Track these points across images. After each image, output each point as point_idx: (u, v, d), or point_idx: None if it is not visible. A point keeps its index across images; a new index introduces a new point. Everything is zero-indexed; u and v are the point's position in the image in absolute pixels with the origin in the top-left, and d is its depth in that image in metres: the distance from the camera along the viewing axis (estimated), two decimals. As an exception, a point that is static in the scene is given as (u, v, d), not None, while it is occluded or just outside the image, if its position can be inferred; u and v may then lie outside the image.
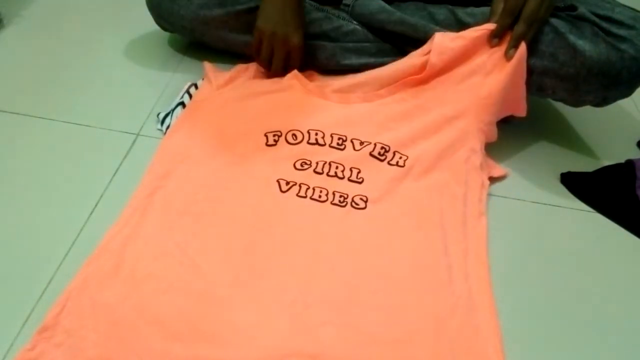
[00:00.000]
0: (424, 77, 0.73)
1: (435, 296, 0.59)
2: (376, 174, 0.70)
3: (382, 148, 0.72)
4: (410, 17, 0.82)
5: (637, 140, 0.86)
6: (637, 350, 0.59)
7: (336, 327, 0.56)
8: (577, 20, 0.69)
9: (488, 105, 0.72)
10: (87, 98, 0.84)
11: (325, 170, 0.70)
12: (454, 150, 0.71)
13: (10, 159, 0.73)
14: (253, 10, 0.82)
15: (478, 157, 0.71)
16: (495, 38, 0.69)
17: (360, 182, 0.69)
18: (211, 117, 0.76)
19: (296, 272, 0.60)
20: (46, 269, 0.60)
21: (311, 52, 0.88)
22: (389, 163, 0.71)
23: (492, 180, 0.75)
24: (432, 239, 0.64)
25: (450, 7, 0.79)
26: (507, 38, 0.69)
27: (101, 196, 0.69)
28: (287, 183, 0.69)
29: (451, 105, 0.72)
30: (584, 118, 0.87)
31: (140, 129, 0.79)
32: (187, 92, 0.82)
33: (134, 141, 0.77)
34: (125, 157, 0.75)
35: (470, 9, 0.78)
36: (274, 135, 0.73)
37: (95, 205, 0.68)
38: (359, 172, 0.70)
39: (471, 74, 0.71)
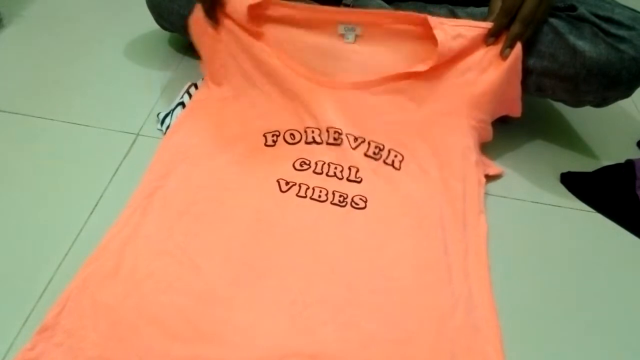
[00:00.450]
0: (421, 73, 0.72)
1: (436, 296, 0.59)
2: (374, 173, 0.70)
3: (376, 147, 0.72)
4: (410, 17, 0.82)
5: (637, 140, 0.86)
6: (637, 350, 0.59)
7: (336, 327, 0.56)
8: (576, 20, 0.69)
9: (481, 103, 0.71)
10: (87, 98, 0.84)
11: (325, 170, 0.70)
12: (448, 147, 0.71)
13: (10, 159, 0.73)
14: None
15: (472, 153, 0.71)
16: (491, 37, 0.69)
17: (359, 182, 0.69)
18: (211, 117, 0.76)
19: (296, 272, 0.60)
20: (46, 269, 0.60)
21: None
22: (384, 162, 0.71)
23: (490, 179, 0.75)
24: (432, 239, 0.64)
25: (450, 7, 0.79)
26: (504, 37, 0.69)
27: (101, 196, 0.69)
28: (287, 183, 0.69)
29: (444, 101, 0.71)
30: (584, 118, 0.87)
31: (140, 129, 0.79)
32: (187, 92, 0.82)
33: (134, 141, 0.77)
34: (125, 157, 0.75)
35: (470, 9, 0.78)
36: (273, 136, 0.73)
37: (95, 205, 0.68)
38: (357, 171, 0.70)
39: (466, 71, 0.71)
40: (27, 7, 1.04)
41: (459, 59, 0.70)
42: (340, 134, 0.72)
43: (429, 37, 0.69)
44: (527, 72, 0.72)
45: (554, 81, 0.71)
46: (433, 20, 0.69)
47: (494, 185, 0.75)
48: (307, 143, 0.72)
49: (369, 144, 0.72)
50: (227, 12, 0.73)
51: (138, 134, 0.78)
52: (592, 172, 0.78)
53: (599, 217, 0.73)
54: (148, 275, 0.58)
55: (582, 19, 0.69)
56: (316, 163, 0.71)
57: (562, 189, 0.76)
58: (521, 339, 0.58)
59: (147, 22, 0.90)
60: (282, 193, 0.68)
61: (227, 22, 0.74)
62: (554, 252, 0.68)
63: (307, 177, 0.69)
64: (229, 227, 0.64)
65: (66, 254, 0.62)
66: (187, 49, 0.95)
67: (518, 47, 0.68)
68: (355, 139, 0.72)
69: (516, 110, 0.76)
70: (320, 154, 0.71)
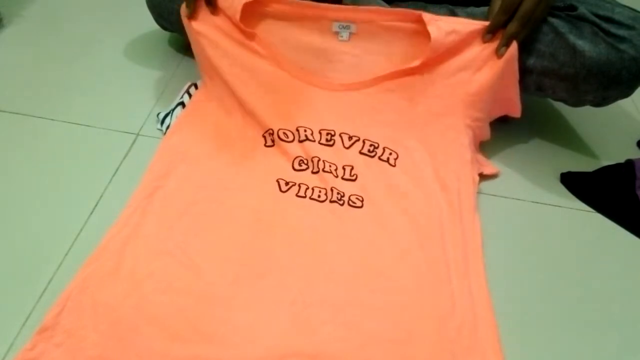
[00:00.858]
0: (414, 70, 0.71)
1: (435, 295, 0.59)
2: (369, 171, 0.70)
3: (371, 145, 0.72)
4: (410, 17, 0.82)
5: (637, 140, 0.86)
6: (637, 350, 0.59)
7: (336, 327, 0.56)
8: (576, 20, 0.69)
9: (476, 102, 0.71)
10: (87, 98, 0.84)
11: (321, 167, 0.70)
12: (443, 146, 0.71)
13: (10, 159, 0.73)
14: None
15: (467, 152, 0.71)
16: (488, 34, 0.69)
17: (354, 180, 0.69)
18: (210, 117, 0.76)
19: (296, 272, 0.60)
20: (46, 269, 0.60)
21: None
22: (379, 159, 0.71)
23: (490, 178, 0.75)
24: (431, 238, 0.64)
25: (450, 6, 0.79)
26: (500, 36, 0.69)
27: (101, 196, 0.69)
28: (287, 183, 0.69)
29: (439, 100, 0.71)
30: (584, 118, 0.87)
31: (140, 129, 0.79)
32: (187, 92, 0.82)
33: (134, 141, 0.77)
34: (125, 157, 0.75)
35: (470, 9, 0.78)
36: (270, 135, 0.73)
37: (95, 205, 0.68)
38: (352, 169, 0.70)
39: (461, 70, 0.70)
40: (27, 7, 1.04)
41: (453, 55, 0.70)
42: (332, 135, 0.73)
43: (425, 35, 0.69)
44: (527, 71, 0.72)
45: (553, 81, 0.71)
46: (427, 16, 0.69)
47: (493, 185, 0.75)
48: (300, 141, 0.72)
49: (363, 142, 0.72)
50: (222, 7, 0.72)
51: (138, 134, 0.78)
52: (592, 172, 0.78)
53: (599, 217, 0.73)
54: (148, 275, 0.58)
55: (582, 19, 0.69)
56: (312, 160, 0.71)
57: (562, 189, 0.76)
58: (521, 339, 0.58)
59: (147, 22, 0.90)
60: (281, 193, 0.68)
61: (217, 19, 0.73)
62: (553, 252, 0.68)
63: (306, 177, 0.69)
64: (229, 227, 0.64)
65: (66, 254, 0.62)
66: (187, 49, 0.94)
67: (514, 46, 0.68)
68: (350, 138, 0.72)
69: (515, 111, 0.75)
70: (315, 151, 0.71)
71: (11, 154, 0.74)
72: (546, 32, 0.70)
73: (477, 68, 0.70)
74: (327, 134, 0.73)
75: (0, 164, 0.72)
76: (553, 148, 0.83)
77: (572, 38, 0.68)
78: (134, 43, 0.97)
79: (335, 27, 0.73)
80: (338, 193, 0.68)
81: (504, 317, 0.59)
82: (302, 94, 0.74)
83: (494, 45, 0.69)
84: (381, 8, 0.72)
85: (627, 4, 0.70)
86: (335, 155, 0.71)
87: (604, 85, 0.69)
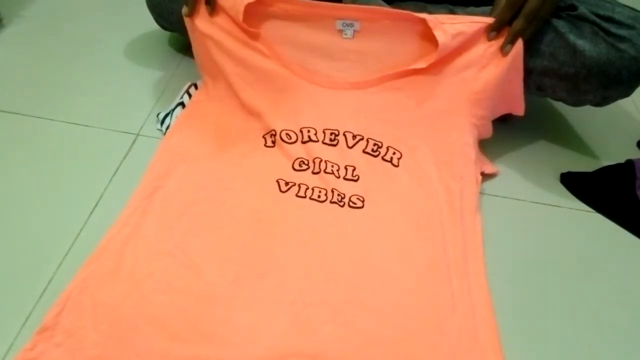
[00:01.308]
0: (420, 70, 0.71)
1: (435, 295, 0.59)
2: (371, 171, 0.70)
3: (374, 144, 0.72)
4: (410, 17, 0.82)
5: (637, 140, 0.86)
6: (637, 350, 0.59)
7: (336, 327, 0.56)
8: (577, 20, 0.69)
9: (481, 100, 0.71)
10: (87, 98, 0.84)
11: (322, 167, 0.70)
12: (448, 145, 0.71)
13: (10, 159, 0.73)
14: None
15: (472, 150, 0.71)
16: (493, 31, 0.69)
17: (356, 180, 0.69)
18: (210, 117, 0.76)
19: (296, 272, 0.60)
20: (46, 269, 0.60)
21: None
22: (382, 159, 0.71)
23: (490, 178, 0.75)
24: (431, 238, 0.64)
25: (450, 6, 0.79)
26: (505, 33, 0.69)
27: (101, 196, 0.69)
28: (287, 183, 0.69)
29: (444, 98, 0.71)
30: (584, 118, 0.87)
31: (140, 129, 0.79)
32: (187, 92, 0.82)
33: (134, 141, 0.77)
34: (125, 157, 0.75)
35: (470, 9, 0.78)
36: (271, 136, 0.73)
37: (95, 205, 0.68)
38: (354, 170, 0.70)
39: (466, 68, 0.70)
40: (27, 7, 1.04)
41: (458, 54, 0.70)
42: (336, 135, 0.72)
43: (429, 34, 0.69)
44: (527, 71, 0.71)
45: (554, 80, 0.71)
46: (432, 21, 0.68)
47: (494, 185, 0.75)
48: (303, 142, 0.72)
49: (367, 141, 0.72)
50: (224, 7, 0.72)
51: (138, 134, 0.78)
52: (592, 172, 0.78)
53: (599, 217, 0.73)
54: (148, 275, 0.58)
55: (582, 18, 0.69)
56: (314, 161, 0.71)
57: (562, 189, 0.76)
58: (521, 339, 0.58)
59: (147, 22, 0.90)
60: (281, 193, 0.68)
61: (219, 19, 0.73)
62: (553, 252, 0.68)
63: (307, 178, 0.69)
64: (229, 227, 0.64)
65: (66, 254, 0.62)
66: (187, 49, 0.94)
67: (519, 43, 0.68)
68: (354, 137, 0.72)
69: (519, 109, 0.75)
70: (318, 151, 0.71)
71: (11, 154, 0.74)
72: (546, 31, 0.70)
73: (483, 66, 0.70)
74: (331, 133, 0.72)
75: (0, 164, 0.72)
76: (553, 148, 0.83)
77: (572, 38, 0.68)
78: (134, 43, 0.97)
79: (339, 25, 0.72)
80: (339, 194, 0.68)
81: (504, 317, 0.59)
82: (306, 93, 0.74)
83: (499, 42, 0.69)
84: (385, 9, 0.72)
85: (627, 4, 0.70)
86: (338, 155, 0.71)
87: (604, 84, 0.69)
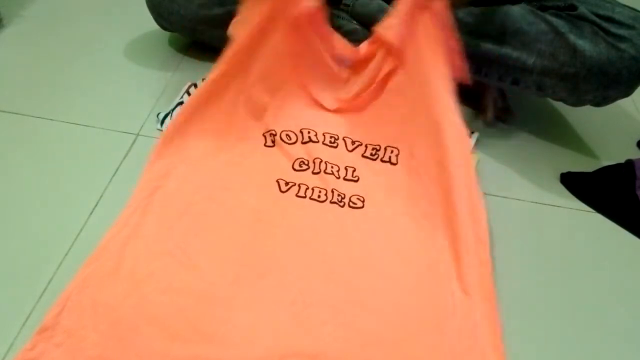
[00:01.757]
0: (398, 68, 0.73)
1: (436, 295, 0.59)
2: (371, 173, 0.71)
3: (373, 149, 0.73)
4: (410, 17, 0.82)
5: (637, 140, 0.86)
6: (637, 351, 0.59)
7: (336, 327, 0.56)
8: (577, 20, 0.69)
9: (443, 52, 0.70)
10: (87, 98, 0.84)
11: (322, 168, 0.70)
12: (442, 130, 0.68)
13: (10, 159, 0.73)
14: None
15: (462, 129, 0.68)
16: None
17: (356, 181, 0.70)
18: (211, 117, 0.76)
19: (296, 272, 0.60)
20: (46, 269, 0.60)
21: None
22: (381, 160, 0.72)
23: (489, 178, 0.75)
24: (431, 237, 0.64)
25: (450, 6, 0.79)
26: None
27: (101, 196, 0.69)
28: (287, 183, 0.69)
29: (423, 81, 0.70)
30: (584, 118, 0.87)
31: (140, 129, 0.79)
32: (187, 92, 0.82)
33: (134, 141, 0.77)
34: (125, 157, 0.75)
35: (470, 9, 0.78)
36: (271, 135, 0.73)
37: (95, 205, 0.68)
38: (354, 171, 0.70)
39: (422, 43, 0.70)
40: (27, 7, 1.04)
41: (411, 37, 0.71)
42: (336, 138, 0.73)
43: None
44: (527, 71, 0.72)
45: (554, 80, 0.71)
46: (380, 31, 0.71)
47: (494, 185, 0.75)
48: (303, 143, 0.72)
49: (366, 147, 0.73)
50: None
51: (138, 134, 0.78)
52: (592, 172, 0.78)
53: (599, 217, 0.73)
54: (148, 275, 0.58)
55: (582, 18, 0.69)
56: (314, 161, 0.71)
57: (562, 189, 0.76)
58: (521, 338, 0.58)
59: (147, 22, 0.90)
60: (281, 193, 0.68)
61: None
62: (554, 252, 0.68)
63: (307, 178, 0.69)
64: (229, 228, 0.64)
65: (66, 254, 0.62)
66: (187, 49, 0.95)
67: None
68: (353, 142, 0.73)
69: (459, 71, 0.71)
70: (318, 152, 0.72)
71: (11, 154, 0.74)
72: (546, 31, 0.70)
73: (427, 34, 0.70)
74: (331, 137, 0.73)
75: (0, 164, 0.72)
76: (553, 148, 0.83)
77: (572, 38, 0.68)
78: (134, 43, 0.97)
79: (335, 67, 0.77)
80: (339, 195, 0.68)
81: (504, 316, 0.59)
82: (308, 105, 0.76)
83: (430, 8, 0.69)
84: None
85: (627, 4, 0.70)
86: (338, 157, 0.72)
87: (604, 84, 0.69)
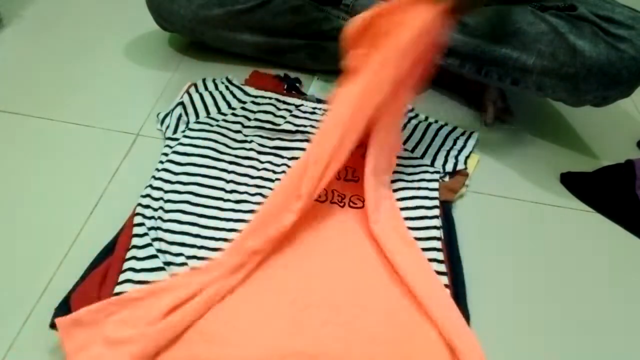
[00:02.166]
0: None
1: (436, 295, 0.59)
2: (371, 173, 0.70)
3: None
4: (410, 17, 0.82)
5: (637, 140, 0.86)
6: (637, 350, 0.59)
7: (336, 327, 0.56)
8: (577, 20, 0.69)
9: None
10: (87, 98, 0.84)
11: None
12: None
13: (10, 159, 0.73)
14: (252, 10, 0.82)
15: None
16: None
17: (356, 181, 0.70)
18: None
19: (296, 272, 0.60)
20: (46, 269, 0.60)
21: (312, 52, 0.88)
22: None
23: (489, 178, 0.75)
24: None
25: (450, 7, 0.79)
26: None
27: (101, 196, 0.69)
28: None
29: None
30: (584, 118, 0.87)
31: (140, 129, 0.79)
32: (187, 92, 0.82)
33: (134, 141, 0.77)
34: (125, 157, 0.75)
35: (470, 9, 0.78)
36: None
37: (95, 205, 0.68)
38: (354, 171, 0.70)
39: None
40: (27, 7, 1.04)
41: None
42: None
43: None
44: (527, 71, 0.72)
45: (554, 81, 0.71)
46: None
47: (494, 185, 0.75)
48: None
49: (366, 147, 0.69)
50: None
51: (138, 134, 0.78)
52: (592, 172, 0.78)
53: (599, 217, 0.73)
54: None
55: (582, 19, 0.69)
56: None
57: (562, 189, 0.77)
58: (521, 338, 0.58)
59: (147, 22, 0.90)
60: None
61: None
62: (554, 252, 0.68)
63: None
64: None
65: (66, 254, 0.62)
66: (187, 49, 0.95)
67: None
68: None
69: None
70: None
71: (11, 154, 0.74)
72: (546, 32, 0.70)
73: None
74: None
75: (0, 164, 0.72)
76: (553, 148, 0.83)
77: (572, 38, 0.68)
78: (134, 43, 0.97)
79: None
80: (339, 195, 0.68)
81: (504, 316, 0.59)
82: None
83: None
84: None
85: (627, 4, 0.70)
86: None
87: (604, 85, 0.69)
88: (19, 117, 0.80)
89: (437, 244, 0.63)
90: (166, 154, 0.71)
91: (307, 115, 0.79)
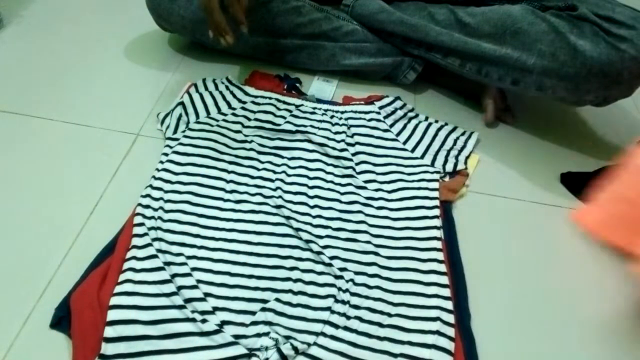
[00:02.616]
0: None
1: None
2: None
3: None
4: (410, 17, 0.82)
5: (637, 140, 0.85)
6: (638, 349, 0.59)
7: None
8: (577, 20, 0.69)
9: None
10: (87, 98, 0.84)
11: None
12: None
13: (10, 159, 0.73)
14: (253, 10, 0.82)
15: None
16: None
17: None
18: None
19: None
20: (46, 269, 0.60)
21: (312, 52, 0.88)
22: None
23: (489, 178, 0.75)
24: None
25: (450, 6, 0.79)
26: None
27: (101, 196, 0.69)
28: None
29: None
30: (584, 118, 0.87)
31: (140, 129, 0.79)
32: (187, 92, 0.82)
33: (134, 141, 0.77)
34: (125, 157, 0.74)
35: (470, 9, 0.78)
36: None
37: (95, 205, 0.68)
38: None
39: None
40: (27, 7, 1.04)
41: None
42: None
43: None
44: (527, 71, 0.72)
45: (554, 80, 0.71)
46: None
47: (494, 185, 0.75)
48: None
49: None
50: None
51: (138, 134, 0.78)
52: (592, 172, 0.78)
53: (599, 217, 0.73)
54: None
55: (582, 19, 0.69)
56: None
57: (562, 189, 0.76)
58: (521, 337, 0.58)
59: (147, 23, 0.90)
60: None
61: None
62: (554, 252, 0.68)
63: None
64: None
65: (66, 254, 0.62)
66: (187, 49, 0.95)
67: None
68: None
69: None
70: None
71: (11, 154, 0.74)
72: (547, 31, 0.70)
73: None
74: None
75: (0, 164, 0.72)
76: (553, 148, 0.83)
77: (572, 38, 0.68)
78: (134, 43, 0.97)
79: None
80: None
81: (504, 315, 0.59)
82: None
83: None
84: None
85: (628, 4, 0.70)
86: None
87: (605, 85, 0.69)
88: (19, 117, 0.80)
89: (437, 244, 0.63)
90: (166, 154, 0.71)
91: (307, 115, 0.79)
